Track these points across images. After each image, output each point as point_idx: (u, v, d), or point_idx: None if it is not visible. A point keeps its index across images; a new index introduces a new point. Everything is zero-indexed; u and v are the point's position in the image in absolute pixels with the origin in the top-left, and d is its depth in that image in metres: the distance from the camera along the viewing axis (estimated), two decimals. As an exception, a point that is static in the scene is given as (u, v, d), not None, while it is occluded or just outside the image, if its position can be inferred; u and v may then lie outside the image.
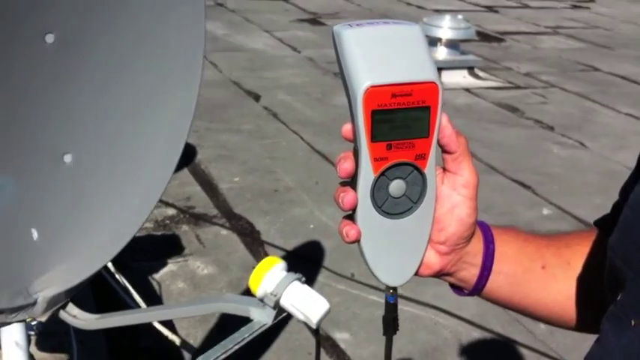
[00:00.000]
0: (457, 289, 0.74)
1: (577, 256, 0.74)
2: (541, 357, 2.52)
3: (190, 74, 1.23)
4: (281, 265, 0.94)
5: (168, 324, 2.45)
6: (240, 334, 0.93)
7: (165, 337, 2.29)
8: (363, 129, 0.62)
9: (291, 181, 3.78)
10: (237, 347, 0.92)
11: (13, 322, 1.08)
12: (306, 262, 2.98)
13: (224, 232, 3.22)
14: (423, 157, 0.64)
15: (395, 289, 0.70)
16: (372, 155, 0.63)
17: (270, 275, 0.93)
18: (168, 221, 3.27)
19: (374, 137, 0.62)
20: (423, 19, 6.07)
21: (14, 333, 1.08)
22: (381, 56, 0.62)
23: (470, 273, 0.71)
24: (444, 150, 0.66)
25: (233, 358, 0.96)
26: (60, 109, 1.15)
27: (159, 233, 3.15)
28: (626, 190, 0.77)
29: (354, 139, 0.64)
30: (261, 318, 0.95)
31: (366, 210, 0.65)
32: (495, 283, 0.72)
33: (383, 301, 0.71)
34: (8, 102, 1.08)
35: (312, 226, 3.28)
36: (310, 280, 2.89)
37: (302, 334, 2.57)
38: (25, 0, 1.05)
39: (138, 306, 2.28)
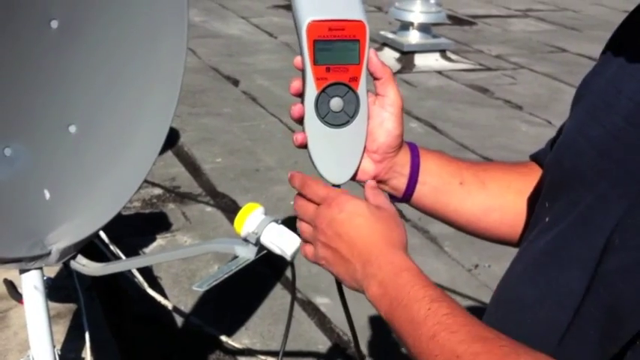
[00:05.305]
0: (392, 197, 0.91)
1: (492, 179, 0.91)
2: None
3: (175, 61, 1.40)
4: (260, 209, 1.12)
5: (161, 292, 2.63)
6: (228, 267, 1.11)
7: (158, 304, 2.48)
8: (307, 55, 0.79)
9: (272, 160, 3.96)
10: (226, 276, 1.09)
11: (31, 269, 1.25)
12: (286, 234, 3.16)
13: (208, 209, 3.40)
14: (355, 79, 0.81)
15: (338, 186, 0.86)
16: (314, 75, 0.80)
17: (251, 218, 1.10)
18: (155, 200, 3.44)
19: (316, 61, 0.80)
20: (395, 4, 6.24)
21: (33, 278, 1.26)
22: (322, 1, 0.79)
23: (400, 182, 0.88)
24: (373, 77, 0.84)
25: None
26: (64, 87, 1.31)
27: (147, 211, 3.32)
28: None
29: (302, 66, 0.81)
30: (245, 254, 1.12)
31: (312, 120, 0.82)
32: (421, 192, 0.89)
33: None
34: (20, 81, 1.25)
35: (292, 202, 3.45)
36: (291, 251, 3.08)
37: (285, 299, 2.76)
38: (32, -9, 1.21)
39: (131, 274, 2.46)
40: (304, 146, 0.84)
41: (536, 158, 0.93)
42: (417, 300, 0.69)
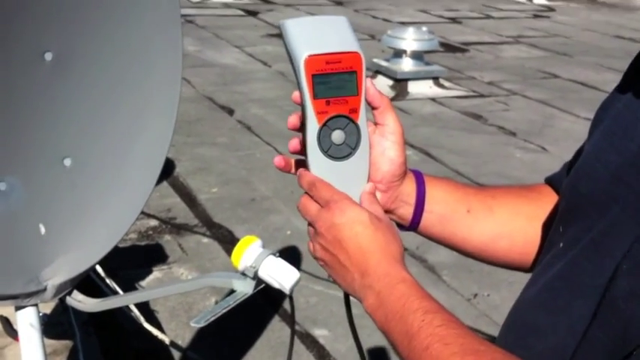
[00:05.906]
0: (400, 226, 0.89)
1: (500, 205, 0.90)
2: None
3: (170, 90, 1.40)
4: (258, 242, 1.10)
5: (158, 326, 2.60)
6: (226, 302, 1.09)
7: (155, 338, 2.45)
8: (306, 89, 0.79)
9: (267, 190, 3.95)
10: (224, 311, 1.08)
11: (27, 306, 1.23)
12: (283, 264, 3.14)
13: (205, 240, 3.38)
14: (355, 111, 0.81)
15: None
16: (315, 109, 0.80)
17: (249, 251, 1.09)
18: (151, 232, 3.42)
19: (315, 95, 0.79)
20: (388, 32, 6.29)
21: (29, 316, 1.24)
22: (316, 35, 0.80)
23: (406, 211, 0.87)
24: (372, 107, 0.83)
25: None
26: (59, 119, 1.31)
27: (143, 243, 3.30)
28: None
29: (301, 101, 0.81)
30: (243, 288, 1.11)
31: (315, 154, 0.82)
32: (428, 220, 0.88)
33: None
34: (14, 114, 1.24)
35: (289, 232, 3.45)
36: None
37: (283, 331, 2.73)
38: (27, 24, 1.21)
39: (128, 308, 2.43)
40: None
41: (550, 182, 0.92)
42: (411, 312, 0.69)
